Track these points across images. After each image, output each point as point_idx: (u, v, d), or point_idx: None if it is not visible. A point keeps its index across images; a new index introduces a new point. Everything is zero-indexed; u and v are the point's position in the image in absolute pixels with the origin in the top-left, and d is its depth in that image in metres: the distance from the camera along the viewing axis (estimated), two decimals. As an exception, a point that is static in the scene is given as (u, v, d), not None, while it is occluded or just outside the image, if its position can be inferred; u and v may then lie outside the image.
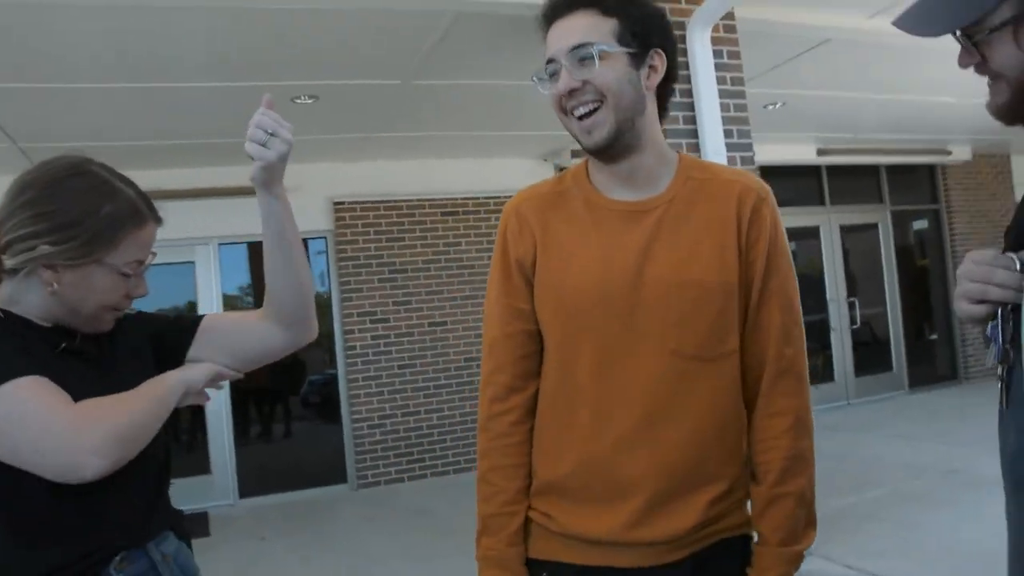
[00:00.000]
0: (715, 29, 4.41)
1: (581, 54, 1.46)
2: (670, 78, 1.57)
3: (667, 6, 4.34)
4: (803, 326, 1.59)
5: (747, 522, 1.58)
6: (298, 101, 5.90)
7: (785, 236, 1.59)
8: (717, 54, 4.42)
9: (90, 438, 1.23)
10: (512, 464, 1.59)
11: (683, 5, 4.43)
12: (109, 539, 1.36)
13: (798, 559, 1.53)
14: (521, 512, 1.59)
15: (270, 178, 1.49)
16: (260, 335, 1.62)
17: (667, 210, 1.53)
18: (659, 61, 1.53)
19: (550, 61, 1.51)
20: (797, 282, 1.60)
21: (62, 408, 1.25)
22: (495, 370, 1.61)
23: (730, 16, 4.53)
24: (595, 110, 1.48)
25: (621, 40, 1.48)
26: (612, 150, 1.51)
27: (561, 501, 1.55)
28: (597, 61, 1.45)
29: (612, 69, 1.47)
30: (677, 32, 4.29)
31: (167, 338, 1.58)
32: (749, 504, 1.59)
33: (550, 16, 1.54)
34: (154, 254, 1.50)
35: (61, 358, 1.38)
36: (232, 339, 1.62)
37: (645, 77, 1.52)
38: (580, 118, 1.49)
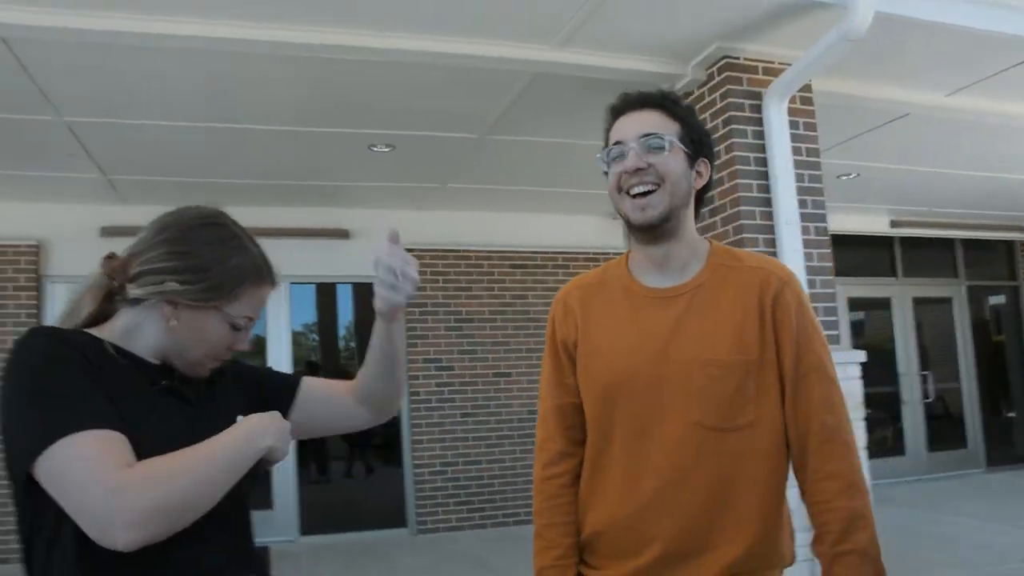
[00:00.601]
0: (792, 100, 4.46)
1: (651, 143, 1.65)
2: (708, 187, 1.77)
3: (744, 76, 4.46)
4: (842, 392, 1.68)
5: None
6: (375, 149, 6.11)
7: (811, 312, 1.71)
8: (793, 124, 4.48)
9: (128, 511, 1.16)
10: (564, 522, 1.76)
11: (760, 76, 4.50)
12: None
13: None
14: (572, 566, 1.74)
15: (395, 313, 1.56)
16: (348, 413, 1.71)
17: (694, 295, 1.69)
18: (705, 169, 1.74)
19: (617, 143, 1.69)
20: (829, 349, 1.71)
21: (108, 472, 1.17)
22: (547, 438, 1.81)
23: (807, 88, 4.58)
24: (652, 191, 1.65)
25: (682, 141, 1.68)
26: (657, 231, 1.67)
27: (594, 556, 1.72)
28: (668, 150, 1.65)
29: (675, 160, 1.66)
30: (754, 102, 4.39)
31: (266, 389, 1.62)
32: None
33: (621, 109, 1.73)
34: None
35: (160, 395, 1.40)
36: (323, 410, 1.70)
37: (692, 178, 1.71)
38: (636, 196, 1.65)
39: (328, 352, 8.87)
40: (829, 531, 1.58)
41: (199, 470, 1.24)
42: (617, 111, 1.73)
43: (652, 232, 1.66)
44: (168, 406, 1.39)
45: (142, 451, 1.24)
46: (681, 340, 1.64)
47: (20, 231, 7.30)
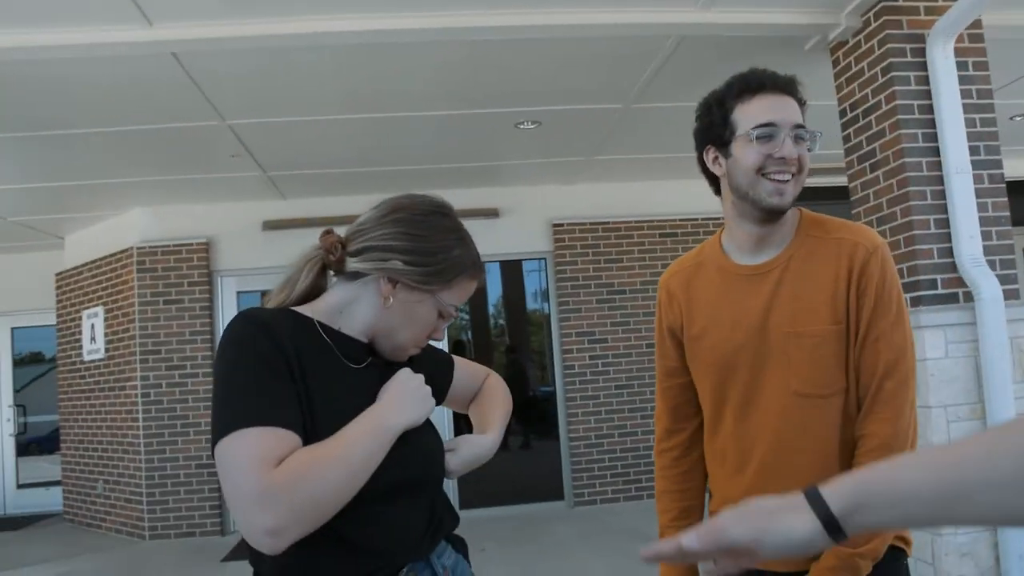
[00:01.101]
0: (958, 39, 4.14)
1: (801, 134, 1.71)
2: None
3: (904, 19, 4.17)
4: (913, 365, 1.71)
5: (902, 538, 1.72)
6: (521, 127, 6.12)
7: (896, 280, 1.73)
8: (961, 65, 4.14)
9: (271, 515, 1.18)
10: (675, 489, 1.98)
11: (922, 17, 4.19)
12: (395, 552, 1.39)
13: (858, 570, 1.62)
14: (687, 526, 1.72)
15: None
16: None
17: (785, 269, 1.75)
18: None
19: (769, 124, 1.70)
20: (909, 326, 1.74)
21: (259, 474, 1.20)
22: (657, 417, 2.01)
23: (976, 24, 4.23)
24: (789, 180, 1.71)
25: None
26: (784, 214, 1.74)
27: None
28: (816, 144, 1.74)
29: (808, 152, 1.74)
30: (916, 45, 4.09)
31: (435, 375, 1.63)
32: None
33: (765, 86, 1.73)
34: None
35: (360, 373, 1.45)
36: (464, 390, 1.82)
37: None
38: (780, 181, 1.69)
39: (478, 330, 8.98)
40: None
41: (350, 463, 1.27)
42: (759, 87, 1.73)
43: (780, 216, 1.73)
44: (366, 385, 1.43)
45: (332, 430, 1.31)
46: (776, 314, 1.72)
47: (193, 231, 7.80)
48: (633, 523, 6.95)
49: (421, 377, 1.45)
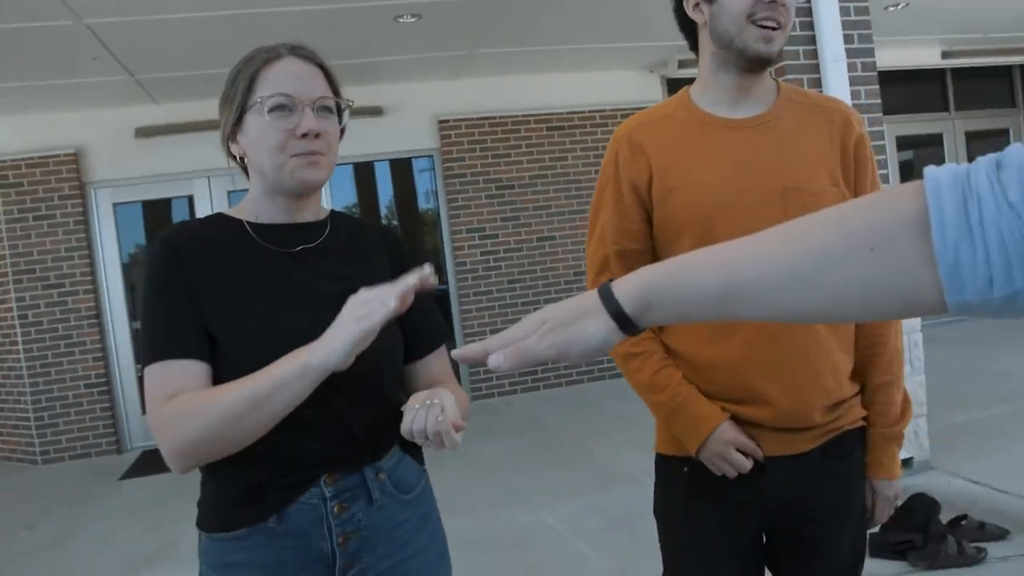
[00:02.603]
0: (832, -75, 4.18)
1: None
2: None
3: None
4: None
5: (864, 416, 1.74)
6: (401, 20, 5.93)
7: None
8: (835, -48, 4.20)
9: (165, 445, 1.27)
10: (647, 350, 1.71)
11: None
12: (317, 461, 1.37)
13: (900, 437, 1.74)
14: (675, 365, 1.70)
15: None
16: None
17: (775, 126, 1.64)
18: None
19: None
20: None
21: (154, 408, 1.29)
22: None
23: (848, -91, 4.28)
24: (778, 28, 1.59)
25: None
26: (770, 64, 1.64)
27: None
28: None
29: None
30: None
31: (417, 323, 1.54)
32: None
33: None
34: (330, 100, 1.44)
35: (300, 256, 1.43)
36: (425, 374, 1.60)
37: None
38: (769, 28, 1.58)
39: (372, 230, 8.87)
40: (877, 364, 1.72)
41: (234, 406, 1.24)
42: None
43: (765, 66, 1.63)
44: (310, 268, 1.42)
45: (271, 325, 1.34)
46: (770, 168, 1.61)
47: (59, 141, 7.33)
48: (531, 413, 7.15)
49: (368, 293, 1.23)
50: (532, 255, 8.13)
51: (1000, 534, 3.51)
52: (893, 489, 1.74)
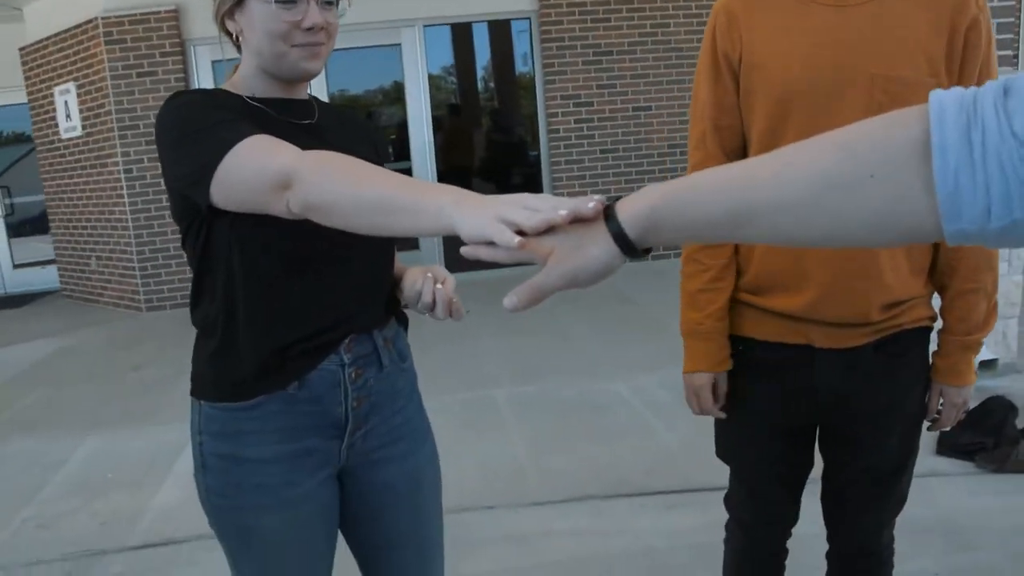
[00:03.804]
0: None
1: None
2: None
3: None
4: None
5: (931, 316, 1.68)
6: None
7: (995, 46, 1.56)
8: None
9: (305, 191, 1.12)
10: (716, 245, 1.68)
11: None
12: (338, 321, 1.42)
13: (979, 345, 1.67)
14: (726, 289, 1.69)
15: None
16: None
17: (879, 6, 1.51)
18: None
19: None
20: None
21: (291, 152, 1.18)
22: (705, 160, 1.66)
23: None
24: None
25: None
26: None
27: (756, 294, 1.68)
28: None
29: None
30: None
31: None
32: (935, 299, 1.69)
33: None
34: None
35: (298, 131, 1.41)
36: None
37: None
38: None
39: (467, 94, 8.79)
40: (959, 269, 1.62)
41: (370, 199, 1.07)
42: None
43: None
44: (311, 144, 1.37)
45: None
46: (863, 52, 1.50)
47: (158, -2, 7.37)
48: (618, 287, 7.12)
49: (540, 197, 0.91)
50: (627, 124, 7.93)
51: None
52: (963, 396, 1.69)
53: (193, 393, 1.45)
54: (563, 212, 0.83)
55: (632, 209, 0.83)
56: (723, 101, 1.64)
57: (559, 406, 4.34)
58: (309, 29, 1.35)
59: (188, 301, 1.47)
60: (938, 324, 1.69)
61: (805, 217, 0.76)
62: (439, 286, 1.41)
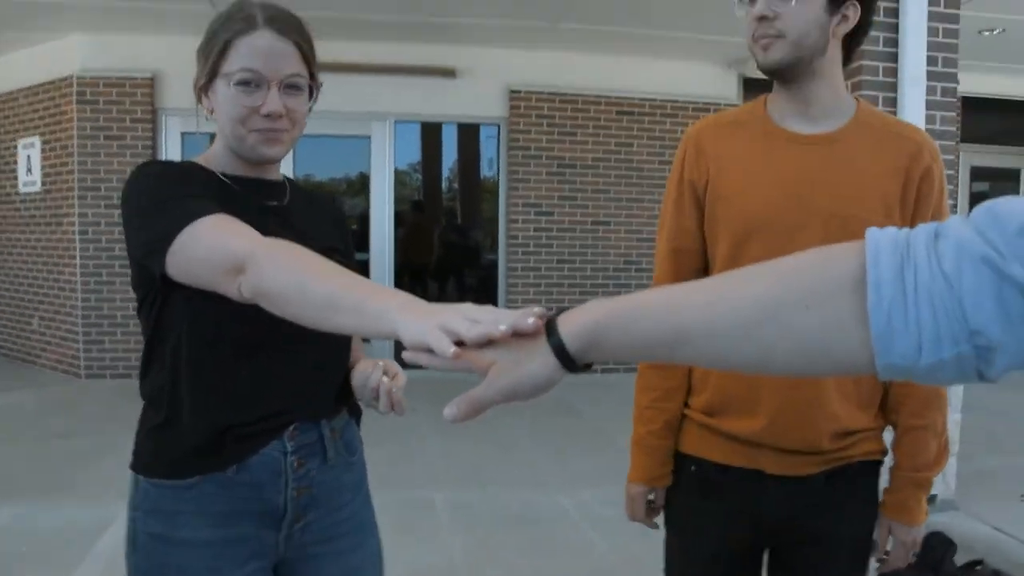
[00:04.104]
0: (931, -60, 4.04)
1: None
2: (861, 30, 1.61)
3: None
4: None
5: (881, 450, 1.71)
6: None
7: (946, 193, 1.64)
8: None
9: (258, 278, 1.13)
10: (667, 366, 1.72)
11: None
12: (283, 408, 1.41)
13: (929, 484, 1.68)
14: (671, 409, 1.75)
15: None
16: None
17: (840, 147, 1.59)
18: (852, 13, 1.57)
19: None
20: None
21: (251, 238, 1.20)
22: (662, 276, 1.76)
23: (950, -73, 4.13)
24: (774, 41, 1.55)
25: None
26: (786, 74, 1.58)
27: (710, 415, 1.71)
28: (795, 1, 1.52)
29: (804, 9, 1.53)
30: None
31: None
32: (885, 433, 1.72)
33: None
34: (302, 77, 1.41)
35: (264, 215, 1.42)
36: None
37: (835, 23, 1.56)
38: (757, 39, 1.57)
39: (431, 192, 8.92)
40: (906, 405, 1.65)
41: (320, 295, 1.07)
42: None
43: (779, 74, 1.59)
44: (275, 228, 1.38)
45: None
46: (822, 190, 1.57)
47: (137, 63, 7.47)
48: (562, 397, 7.12)
49: (482, 309, 0.91)
50: (585, 237, 8.10)
51: (1014, 585, 3.44)
52: (912, 534, 1.70)
53: (132, 467, 1.43)
54: (503, 327, 0.84)
55: (575, 324, 0.84)
56: (685, 226, 1.72)
57: (499, 515, 4.29)
58: (267, 116, 1.37)
59: (130, 372, 1.47)
60: (889, 460, 1.72)
61: (735, 344, 0.78)
62: (385, 379, 1.42)
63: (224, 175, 1.43)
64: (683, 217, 1.72)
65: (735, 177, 1.65)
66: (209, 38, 1.40)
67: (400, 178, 8.24)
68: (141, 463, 1.42)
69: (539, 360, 0.84)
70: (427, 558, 3.74)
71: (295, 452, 1.43)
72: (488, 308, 0.91)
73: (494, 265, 8.20)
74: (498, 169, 8.19)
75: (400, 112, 7.84)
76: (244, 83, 1.36)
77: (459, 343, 0.85)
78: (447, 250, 8.86)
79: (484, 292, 8.30)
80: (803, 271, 0.77)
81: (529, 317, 0.85)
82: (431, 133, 8.45)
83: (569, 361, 0.84)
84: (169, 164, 1.43)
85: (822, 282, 0.74)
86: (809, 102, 1.61)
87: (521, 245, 8.02)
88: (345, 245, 1.61)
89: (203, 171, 1.42)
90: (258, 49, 1.36)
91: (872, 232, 0.73)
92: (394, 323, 0.95)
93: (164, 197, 1.28)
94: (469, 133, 8.48)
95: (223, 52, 1.36)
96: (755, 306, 0.76)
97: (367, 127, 7.87)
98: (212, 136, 1.50)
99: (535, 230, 8.03)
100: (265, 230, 1.26)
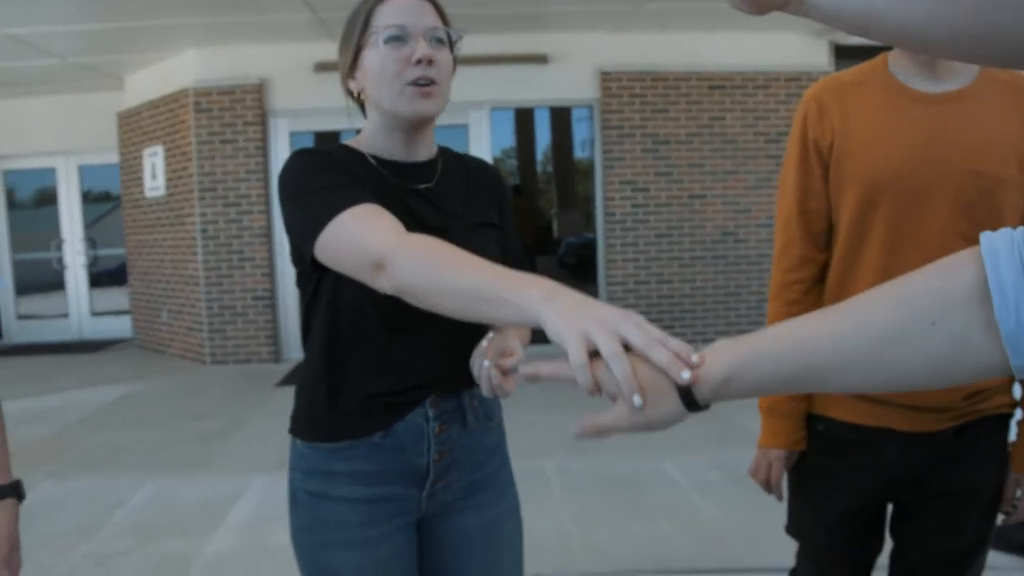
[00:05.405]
0: None
1: None
2: None
3: None
4: None
5: (1011, 403, 1.68)
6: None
7: None
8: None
9: (399, 275, 1.17)
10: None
11: None
12: (425, 381, 1.48)
13: None
14: None
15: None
16: None
17: (968, 104, 1.56)
18: None
19: None
20: None
21: (394, 231, 1.24)
22: (789, 243, 1.74)
23: None
24: None
25: None
26: None
27: None
28: None
29: None
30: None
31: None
32: (1016, 387, 1.69)
33: None
34: (439, 30, 1.49)
35: (413, 197, 1.48)
36: None
37: None
38: None
39: (527, 175, 9.13)
40: None
41: (464, 286, 1.09)
42: None
43: None
44: (422, 210, 1.48)
45: None
46: (950, 147, 1.54)
47: (246, 72, 7.95)
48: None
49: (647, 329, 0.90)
50: (682, 211, 8.15)
51: None
52: None
53: (291, 431, 1.55)
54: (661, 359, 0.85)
55: (707, 378, 0.84)
56: (810, 185, 1.69)
57: (607, 481, 4.42)
58: (419, 62, 1.42)
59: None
60: (1019, 414, 1.69)
61: (867, 373, 0.78)
62: (486, 362, 1.36)
63: (375, 157, 1.49)
64: (810, 177, 1.69)
65: (862, 135, 1.61)
66: (350, 22, 1.49)
67: (497, 163, 8.47)
68: (299, 427, 1.53)
69: (669, 402, 0.85)
70: (540, 523, 3.81)
71: (436, 419, 1.50)
72: (642, 323, 0.89)
73: (592, 243, 8.33)
74: (593, 149, 8.32)
75: (495, 99, 8.06)
76: (394, 38, 1.43)
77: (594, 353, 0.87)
78: (546, 230, 9.06)
79: (584, 268, 8.45)
80: (924, 290, 0.76)
81: (684, 372, 0.84)
82: (525, 118, 8.64)
83: (696, 406, 0.85)
84: (315, 154, 1.45)
85: (945, 296, 0.73)
86: (934, 61, 1.56)
87: (619, 222, 8.13)
88: (501, 217, 1.65)
89: (354, 156, 1.48)
90: (400, 7, 1.45)
91: (986, 236, 0.72)
92: (539, 315, 0.95)
93: (310, 188, 1.35)
94: (561, 116, 8.63)
95: (367, 23, 1.45)
96: (883, 335, 0.76)
97: (465, 115, 8.11)
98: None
99: (632, 206, 8.13)
100: (412, 215, 1.37)
